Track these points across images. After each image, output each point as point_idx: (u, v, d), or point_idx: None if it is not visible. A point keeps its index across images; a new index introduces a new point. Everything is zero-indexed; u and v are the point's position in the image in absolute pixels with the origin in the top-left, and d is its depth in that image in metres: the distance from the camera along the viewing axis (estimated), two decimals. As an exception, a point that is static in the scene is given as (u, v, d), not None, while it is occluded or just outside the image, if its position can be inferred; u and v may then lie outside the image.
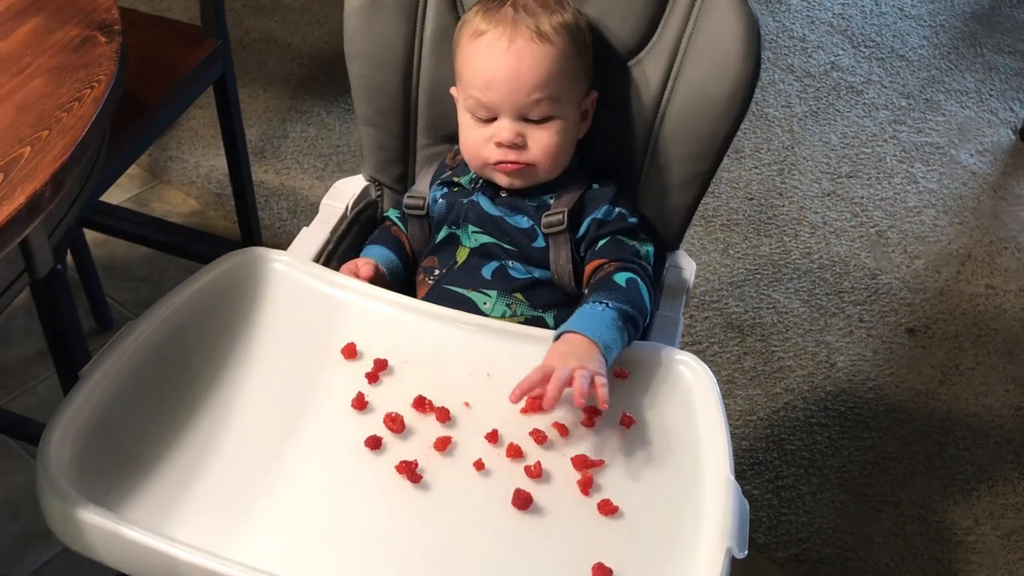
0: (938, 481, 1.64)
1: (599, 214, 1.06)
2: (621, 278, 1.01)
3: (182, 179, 2.12)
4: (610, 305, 0.96)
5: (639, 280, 1.01)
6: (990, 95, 2.41)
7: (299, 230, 1.98)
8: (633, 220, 1.07)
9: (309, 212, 2.04)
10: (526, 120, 1.03)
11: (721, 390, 0.94)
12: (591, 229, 1.05)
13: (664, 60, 1.07)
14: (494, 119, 1.04)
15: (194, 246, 1.68)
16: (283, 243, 1.97)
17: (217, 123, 2.22)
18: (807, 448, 1.67)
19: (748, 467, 1.62)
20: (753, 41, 1.01)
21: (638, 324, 0.99)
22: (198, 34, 1.44)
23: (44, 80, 0.85)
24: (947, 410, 1.74)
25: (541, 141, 1.04)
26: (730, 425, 0.91)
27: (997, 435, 1.71)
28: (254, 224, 1.66)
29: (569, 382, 0.88)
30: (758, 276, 1.96)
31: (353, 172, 2.16)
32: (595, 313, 0.95)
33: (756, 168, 2.19)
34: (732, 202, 2.12)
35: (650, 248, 1.07)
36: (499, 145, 1.04)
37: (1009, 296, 1.94)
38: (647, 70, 1.08)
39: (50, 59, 0.87)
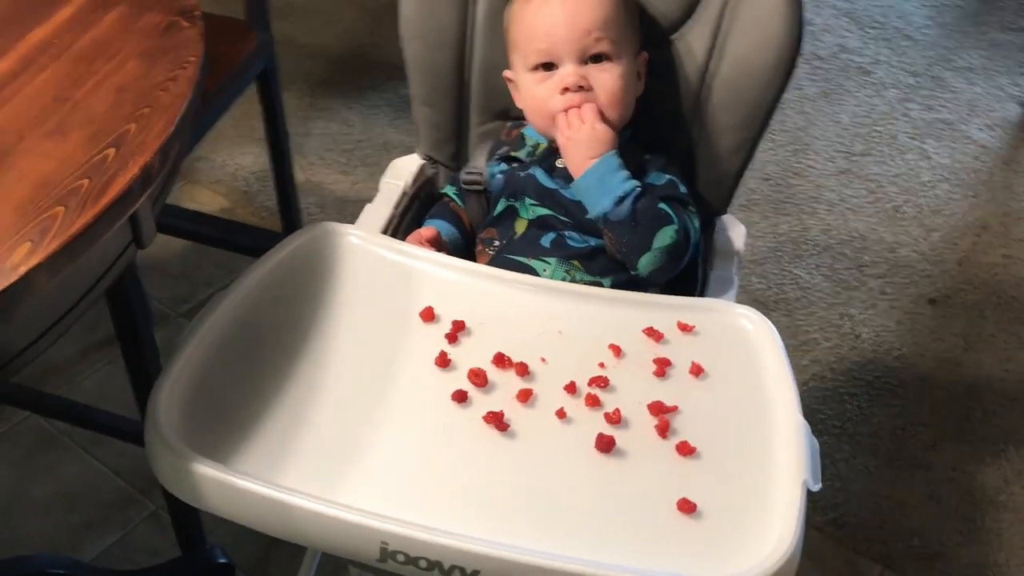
0: (967, 444, 1.69)
1: (650, 179, 1.11)
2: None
3: (210, 178, 2.17)
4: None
5: (676, 217, 1.07)
6: (996, 71, 2.47)
7: (329, 223, 2.05)
8: (683, 190, 1.12)
9: (336, 206, 2.09)
10: (587, 64, 1.08)
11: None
12: (644, 191, 1.10)
13: (708, 32, 1.12)
14: (555, 71, 1.09)
15: (235, 237, 1.72)
16: (316, 235, 2.01)
17: (240, 121, 2.28)
18: (838, 417, 1.72)
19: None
20: (795, 7, 1.06)
21: (651, 212, 1.06)
22: (242, 28, 1.49)
23: (137, 63, 0.89)
24: (972, 376, 1.79)
25: (605, 84, 1.08)
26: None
27: (1022, 399, 1.76)
28: (294, 214, 1.70)
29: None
30: (779, 254, 2.01)
31: (375, 165, 2.23)
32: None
33: (771, 149, 2.24)
34: (750, 183, 2.17)
35: (694, 220, 1.12)
36: (564, 91, 1.08)
37: (1025, 264, 2.00)
38: (691, 42, 1.13)
39: (139, 44, 0.92)
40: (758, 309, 1.03)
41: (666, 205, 1.08)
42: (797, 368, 1.84)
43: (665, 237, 1.06)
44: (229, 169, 2.19)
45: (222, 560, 1.45)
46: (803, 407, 0.90)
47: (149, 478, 1.60)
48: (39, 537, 1.53)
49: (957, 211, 2.11)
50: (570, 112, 1.08)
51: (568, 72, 1.08)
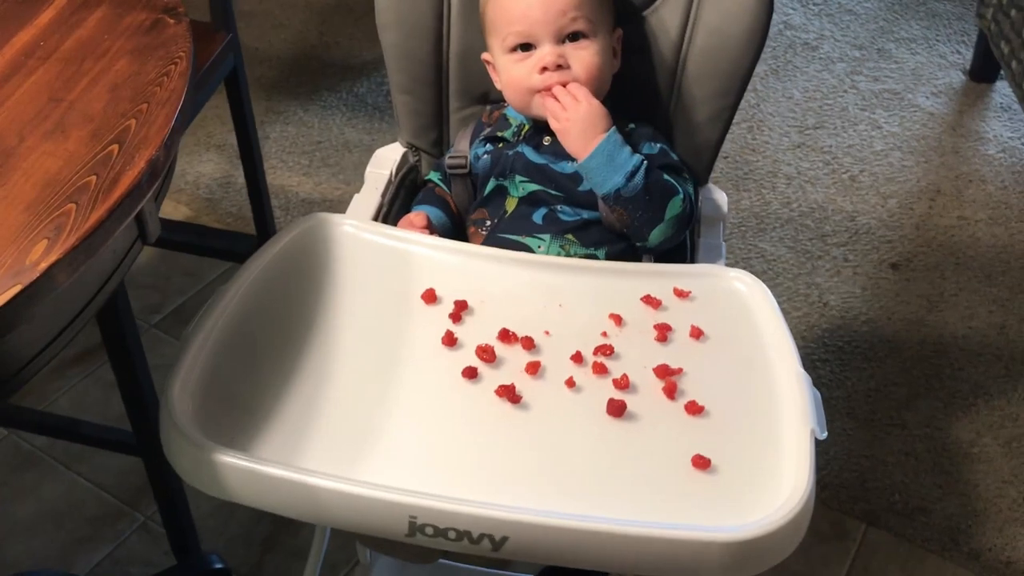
0: (939, 401, 1.73)
1: (645, 149, 1.13)
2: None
3: (171, 188, 2.15)
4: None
5: (680, 186, 1.09)
6: (937, 40, 2.54)
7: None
8: (675, 156, 1.14)
9: (301, 208, 2.09)
10: (564, 43, 1.10)
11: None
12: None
13: (681, 5, 1.14)
14: (533, 51, 1.11)
15: (207, 241, 1.72)
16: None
17: (196, 129, 2.27)
18: (813, 383, 1.76)
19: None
20: (765, -22, 1.09)
21: (660, 184, 1.08)
22: (207, 29, 1.48)
23: (128, 60, 0.89)
24: (938, 335, 1.85)
25: (582, 60, 1.10)
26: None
27: (987, 353, 1.81)
28: (268, 216, 1.70)
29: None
30: (743, 228, 2.05)
31: (337, 166, 2.23)
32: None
33: (727, 128, 2.28)
34: (709, 162, 2.20)
35: (691, 187, 1.15)
36: (543, 71, 1.10)
37: (980, 225, 2.06)
38: (664, 16, 1.16)
39: (127, 42, 0.92)
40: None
41: (668, 175, 1.10)
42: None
43: (675, 207, 1.09)
44: (189, 178, 2.17)
45: (218, 566, 1.45)
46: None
47: (135, 489, 1.60)
48: (28, 558, 1.52)
49: (911, 177, 2.16)
50: (558, 92, 1.10)
51: (546, 52, 1.10)
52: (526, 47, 1.12)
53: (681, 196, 1.09)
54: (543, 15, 1.09)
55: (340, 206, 2.06)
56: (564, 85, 1.10)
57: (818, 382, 1.75)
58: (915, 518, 1.57)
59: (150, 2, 0.97)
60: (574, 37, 1.11)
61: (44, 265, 0.70)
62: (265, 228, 1.75)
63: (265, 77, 2.44)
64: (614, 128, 1.10)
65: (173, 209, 2.10)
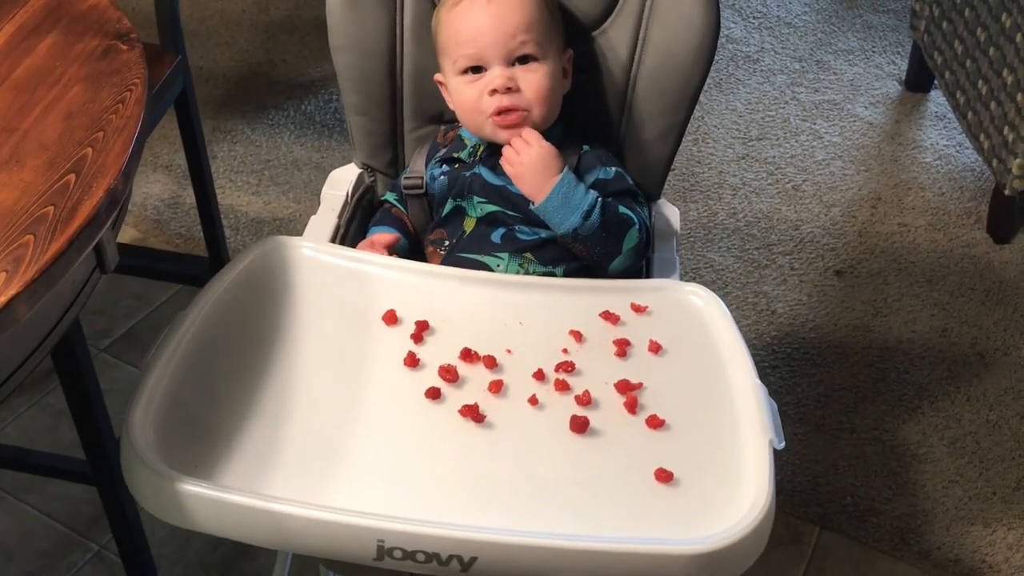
0: (886, 404, 1.77)
1: (601, 174, 1.14)
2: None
3: (117, 209, 2.13)
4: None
5: (635, 216, 1.11)
6: (873, 51, 2.60)
7: (243, 246, 2.03)
8: (629, 180, 1.16)
9: (251, 228, 2.07)
10: (514, 66, 1.12)
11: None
12: (596, 187, 1.13)
13: (630, 25, 1.16)
14: (483, 73, 1.12)
15: (162, 266, 1.70)
16: (235, 258, 1.99)
17: (143, 150, 2.24)
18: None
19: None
20: (711, -4, 1.12)
21: (616, 218, 1.10)
22: (156, 51, 1.47)
23: (82, 87, 0.89)
24: (883, 340, 1.89)
25: (533, 84, 1.12)
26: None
27: (930, 356, 1.86)
28: (220, 237, 1.69)
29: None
30: (691, 239, 2.08)
31: (286, 184, 2.22)
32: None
33: (673, 140, 2.31)
34: (657, 174, 2.23)
35: (646, 212, 1.17)
36: (493, 93, 1.11)
37: (920, 231, 2.11)
38: (613, 37, 1.18)
39: (80, 69, 0.91)
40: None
41: (623, 207, 1.12)
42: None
43: (632, 238, 1.11)
44: (136, 199, 2.15)
45: (177, 592, 1.43)
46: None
47: (88, 519, 1.58)
48: (-24, 595, 1.49)
49: (852, 186, 2.21)
50: (513, 141, 1.11)
51: (496, 75, 1.12)
52: (476, 69, 1.13)
53: (637, 227, 1.11)
54: (493, 38, 1.10)
55: (291, 225, 2.05)
56: (514, 108, 1.12)
57: (769, 389, 1.76)
58: (866, 519, 1.60)
59: (102, 28, 0.96)
60: (524, 60, 1.12)
61: (3, 299, 0.69)
62: (217, 250, 1.73)
63: (211, 96, 2.42)
64: (567, 169, 1.11)
65: (121, 231, 2.07)
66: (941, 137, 2.33)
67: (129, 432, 0.85)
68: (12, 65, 0.92)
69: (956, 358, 1.85)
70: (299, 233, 1.12)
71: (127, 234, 2.06)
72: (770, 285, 1.98)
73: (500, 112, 1.12)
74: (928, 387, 1.80)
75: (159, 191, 2.17)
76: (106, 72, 0.90)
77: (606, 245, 1.10)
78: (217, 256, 1.74)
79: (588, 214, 1.09)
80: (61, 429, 1.67)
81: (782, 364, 1.84)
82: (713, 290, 1.07)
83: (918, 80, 2.43)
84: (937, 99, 2.43)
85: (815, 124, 2.37)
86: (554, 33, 1.14)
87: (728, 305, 1.93)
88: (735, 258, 2.03)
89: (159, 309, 1.90)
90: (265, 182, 2.19)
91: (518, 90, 1.12)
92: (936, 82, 2.35)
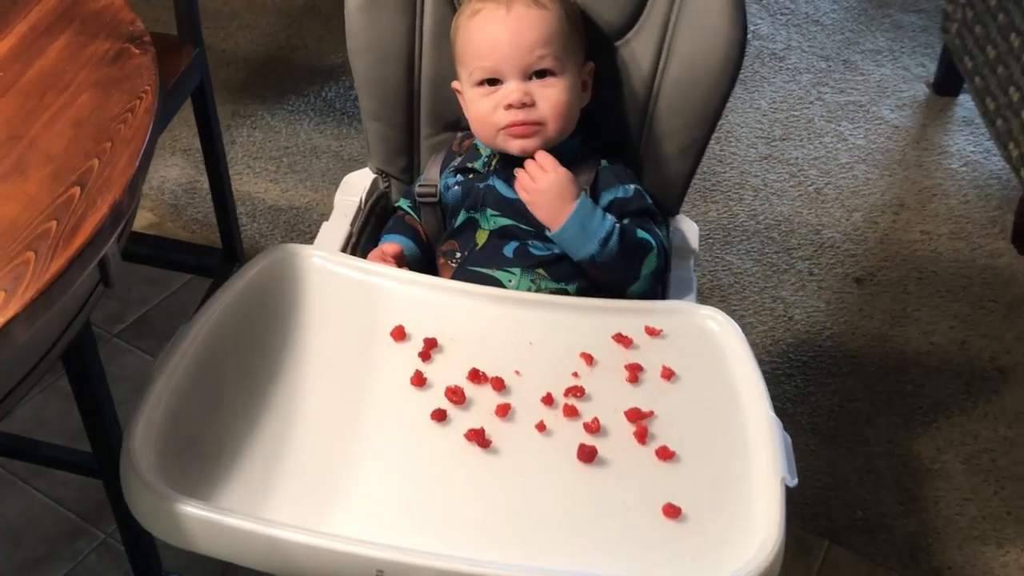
0: (900, 418, 1.75)
1: (619, 192, 1.12)
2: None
3: (133, 192, 2.12)
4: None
5: (654, 240, 1.09)
6: (902, 52, 2.55)
7: (259, 234, 2.01)
8: (648, 200, 1.14)
9: (267, 215, 2.06)
10: (531, 80, 1.09)
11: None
12: (614, 206, 1.11)
13: (654, 38, 1.13)
14: (499, 86, 1.10)
15: (170, 255, 1.69)
16: (249, 247, 1.98)
17: (162, 133, 2.22)
18: (777, 398, 1.77)
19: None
20: (739, 6, 1.08)
21: (634, 243, 1.08)
22: (174, 43, 1.45)
23: (91, 94, 0.87)
24: (900, 351, 1.86)
25: (549, 99, 1.09)
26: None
27: (948, 370, 1.83)
28: (235, 229, 1.67)
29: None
30: (710, 241, 2.05)
31: (304, 172, 2.20)
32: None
33: (695, 138, 2.28)
34: (677, 172, 2.20)
35: (664, 233, 1.14)
36: (508, 108, 1.09)
37: (943, 240, 2.07)
38: (636, 48, 1.15)
39: (91, 73, 0.89)
40: (694, 297, 1.05)
41: (641, 230, 1.10)
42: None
43: (650, 263, 1.09)
44: (154, 183, 2.13)
45: (180, 585, 1.43)
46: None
47: (95, 506, 1.58)
48: (-17, 576, 1.49)
49: (875, 191, 2.18)
50: (527, 165, 1.09)
51: (512, 89, 1.09)
52: (493, 82, 1.10)
53: (655, 251, 1.09)
54: (510, 51, 1.08)
55: (307, 214, 2.04)
56: (529, 123, 1.09)
57: (782, 397, 1.76)
58: (876, 535, 1.58)
59: (115, 29, 0.94)
60: (541, 74, 1.10)
61: (1, 320, 0.67)
62: (231, 241, 1.72)
63: (231, 80, 2.40)
64: (584, 194, 1.09)
65: (137, 215, 2.06)
66: (968, 143, 2.29)
67: (129, 449, 0.84)
68: (23, 68, 0.90)
69: (975, 372, 1.82)
70: (314, 223, 1.10)
71: (143, 218, 2.05)
72: (788, 290, 1.95)
73: (513, 126, 1.10)
74: (945, 401, 1.78)
75: (177, 175, 2.15)
76: (117, 78, 0.89)
77: (624, 272, 1.08)
78: (231, 248, 1.72)
79: (606, 241, 1.06)
80: (72, 414, 1.65)
81: (797, 372, 1.82)
82: (731, 294, 1.04)
83: (947, 84, 2.39)
84: (966, 104, 2.38)
85: (840, 126, 2.33)
86: (574, 46, 1.11)
87: (744, 309, 1.91)
88: (754, 261, 2.01)
89: (173, 295, 1.89)
90: (283, 169, 2.18)
91: (533, 105, 1.09)
92: (965, 86, 2.30)
